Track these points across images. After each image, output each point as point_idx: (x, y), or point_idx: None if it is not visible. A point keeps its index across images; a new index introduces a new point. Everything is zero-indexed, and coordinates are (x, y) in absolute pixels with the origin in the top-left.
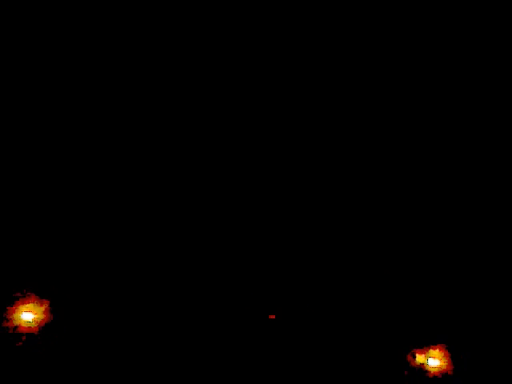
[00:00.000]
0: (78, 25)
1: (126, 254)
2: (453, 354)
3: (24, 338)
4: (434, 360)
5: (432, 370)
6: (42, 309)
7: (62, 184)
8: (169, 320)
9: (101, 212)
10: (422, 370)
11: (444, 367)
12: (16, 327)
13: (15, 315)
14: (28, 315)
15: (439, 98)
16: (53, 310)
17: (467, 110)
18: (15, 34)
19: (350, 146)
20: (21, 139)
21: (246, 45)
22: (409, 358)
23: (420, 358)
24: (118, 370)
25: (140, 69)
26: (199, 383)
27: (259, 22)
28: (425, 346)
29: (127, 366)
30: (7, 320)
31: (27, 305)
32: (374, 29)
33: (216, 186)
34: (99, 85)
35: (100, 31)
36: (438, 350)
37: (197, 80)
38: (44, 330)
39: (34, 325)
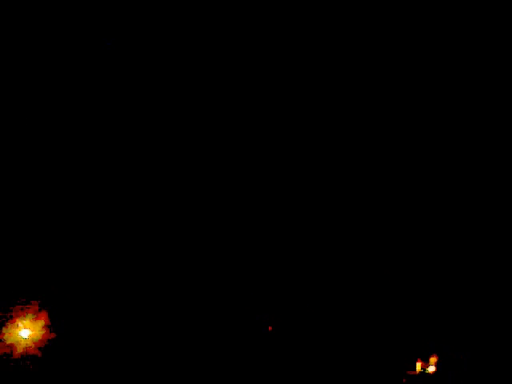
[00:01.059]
0: (78, 25)
1: (126, 265)
2: (450, 362)
3: (22, 355)
4: (432, 367)
5: (430, 378)
6: (40, 325)
7: (58, 192)
8: (169, 333)
9: (98, 221)
10: (420, 377)
11: (441, 374)
12: (13, 344)
13: (12, 332)
14: (25, 332)
15: (439, 98)
16: (50, 326)
17: (467, 110)
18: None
19: (350, 145)
20: (21, 139)
21: (246, 45)
22: (407, 365)
23: (418, 366)
24: None
25: (140, 69)
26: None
27: (259, 22)
28: (423, 353)
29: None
30: (4, 337)
31: (24, 321)
32: (374, 29)
33: (216, 186)
34: (99, 85)
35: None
36: (435, 358)
37: (197, 80)
38: (42, 346)
39: (31, 342)
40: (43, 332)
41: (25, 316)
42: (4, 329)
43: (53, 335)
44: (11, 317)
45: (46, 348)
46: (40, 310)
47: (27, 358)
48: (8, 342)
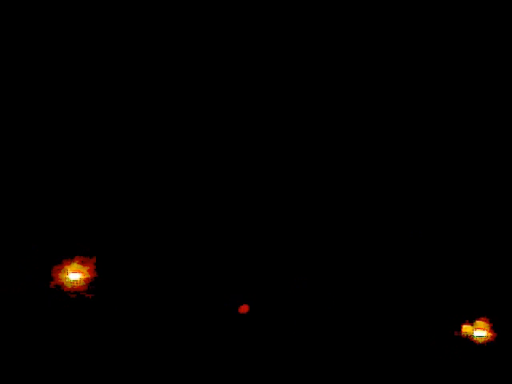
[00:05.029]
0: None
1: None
2: (499, 325)
3: (72, 297)
4: (480, 331)
5: (478, 341)
6: (88, 268)
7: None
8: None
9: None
10: (468, 341)
11: (490, 338)
12: (63, 287)
13: (62, 275)
14: (75, 275)
15: (439, 98)
16: (99, 269)
17: (467, 110)
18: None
19: (350, 146)
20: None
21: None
22: (455, 329)
23: (466, 330)
24: (168, 328)
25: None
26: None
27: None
28: (471, 317)
29: (177, 322)
30: (54, 280)
31: (74, 265)
32: (374, 29)
33: (216, 186)
34: (99, 85)
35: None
36: (484, 322)
37: (197, 80)
38: (91, 289)
39: (81, 284)
40: (92, 274)
41: (74, 260)
42: (54, 272)
43: (102, 278)
44: (61, 261)
45: (93, 290)
46: (88, 256)
47: (78, 300)
48: (60, 284)
